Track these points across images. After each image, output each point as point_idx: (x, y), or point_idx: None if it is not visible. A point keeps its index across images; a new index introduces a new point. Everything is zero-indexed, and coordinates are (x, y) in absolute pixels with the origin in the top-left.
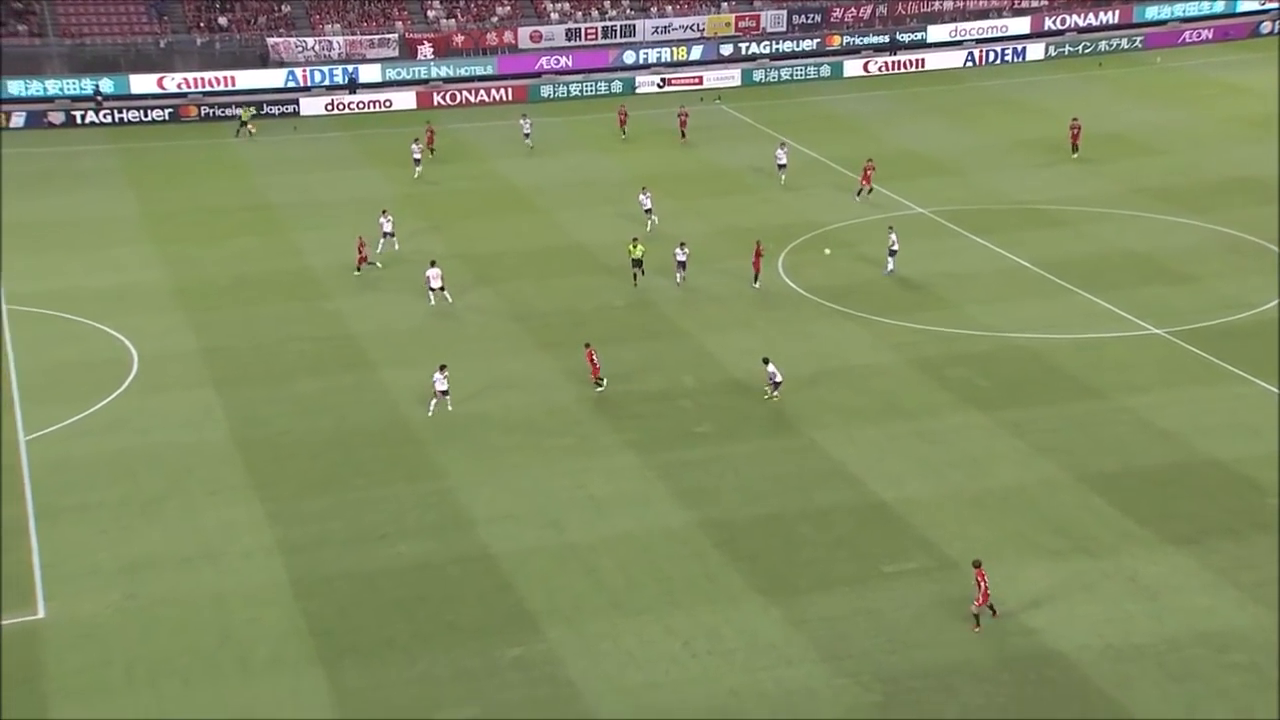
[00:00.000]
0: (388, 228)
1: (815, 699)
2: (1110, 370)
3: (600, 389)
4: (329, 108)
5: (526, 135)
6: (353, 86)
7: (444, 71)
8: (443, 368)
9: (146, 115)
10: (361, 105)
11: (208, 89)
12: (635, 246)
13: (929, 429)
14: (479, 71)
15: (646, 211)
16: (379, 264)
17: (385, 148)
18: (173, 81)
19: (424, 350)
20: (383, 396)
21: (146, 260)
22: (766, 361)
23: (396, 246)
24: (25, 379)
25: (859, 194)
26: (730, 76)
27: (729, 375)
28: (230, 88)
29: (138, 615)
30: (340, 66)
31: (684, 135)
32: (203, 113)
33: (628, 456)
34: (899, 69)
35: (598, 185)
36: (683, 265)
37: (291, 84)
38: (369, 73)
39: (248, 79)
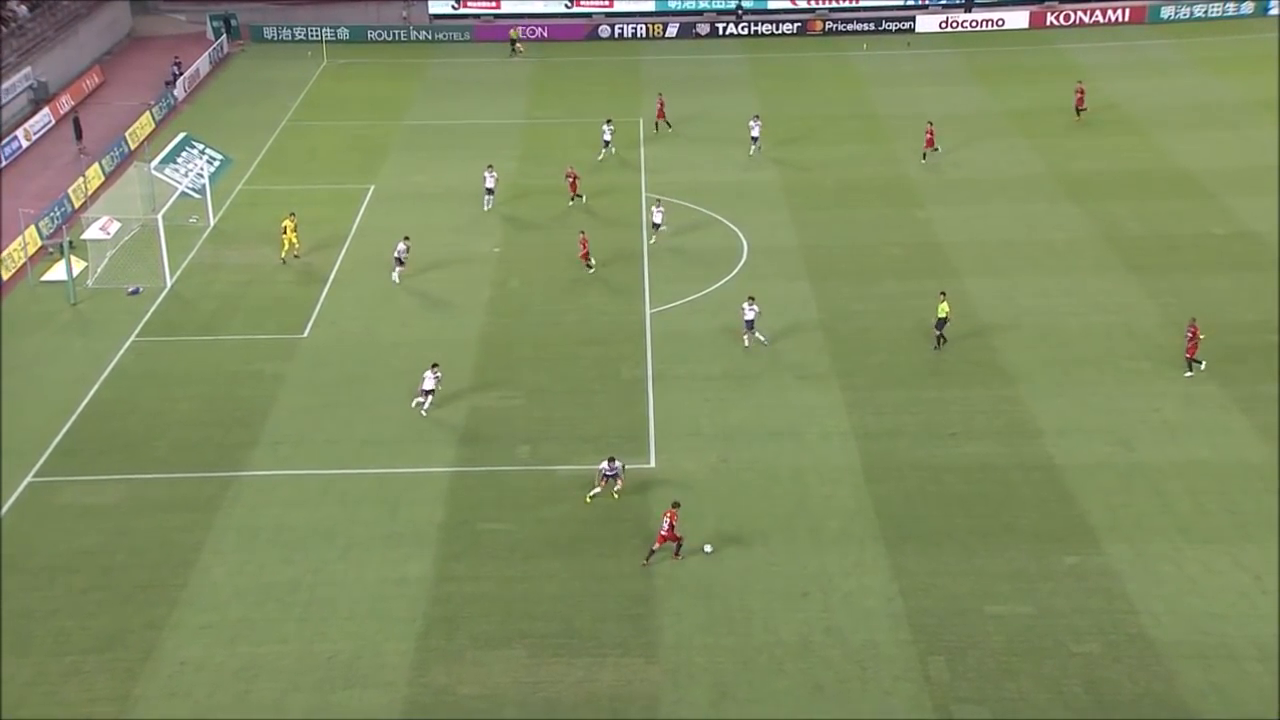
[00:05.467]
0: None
1: None
2: None
3: (590, 270)
4: (943, 25)
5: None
6: (968, 5)
7: None
8: (434, 366)
9: (778, 28)
10: (974, 24)
11: (834, 5)
12: (941, 304)
13: None
14: None
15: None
16: (577, 198)
17: (992, 65)
18: None
19: (1010, 261)
20: (962, 303)
21: (760, 161)
22: None
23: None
24: (653, 258)
25: None
26: None
27: None
28: (853, 5)
29: (728, 477)
30: None
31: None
32: (826, 27)
33: (1208, 385)
34: None
35: (1209, 109)
36: (750, 325)
37: (910, 2)
38: None
39: None
